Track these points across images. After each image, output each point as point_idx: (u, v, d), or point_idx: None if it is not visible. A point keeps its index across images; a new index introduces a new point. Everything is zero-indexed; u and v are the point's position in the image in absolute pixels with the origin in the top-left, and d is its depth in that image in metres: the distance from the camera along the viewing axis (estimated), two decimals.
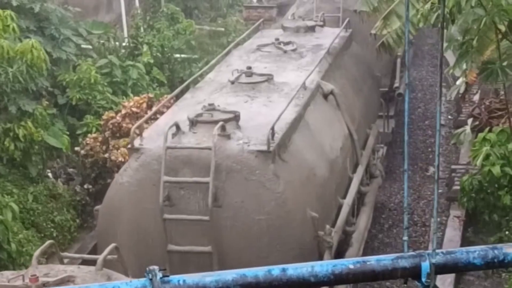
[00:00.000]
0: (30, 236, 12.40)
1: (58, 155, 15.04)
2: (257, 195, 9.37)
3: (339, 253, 10.38)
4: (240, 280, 3.30)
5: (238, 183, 9.37)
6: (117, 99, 16.18)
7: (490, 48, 11.79)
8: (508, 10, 10.13)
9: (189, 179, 9.37)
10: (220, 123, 9.63)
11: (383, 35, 13.53)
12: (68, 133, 14.91)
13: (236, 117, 10.02)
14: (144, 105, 14.20)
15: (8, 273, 6.59)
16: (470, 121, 15.08)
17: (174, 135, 9.77)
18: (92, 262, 6.95)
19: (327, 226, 9.93)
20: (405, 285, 3.65)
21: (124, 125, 13.82)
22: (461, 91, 13.16)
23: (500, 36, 11.16)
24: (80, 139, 15.07)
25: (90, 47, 17.62)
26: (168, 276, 3.25)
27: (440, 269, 3.43)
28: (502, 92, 15.46)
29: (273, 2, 24.62)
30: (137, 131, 10.03)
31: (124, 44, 18.59)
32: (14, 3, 14.95)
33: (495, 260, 3.46)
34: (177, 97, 12.35)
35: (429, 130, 19.33)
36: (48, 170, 14.75)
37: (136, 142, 9.91)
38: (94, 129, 15.16)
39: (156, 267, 3.25)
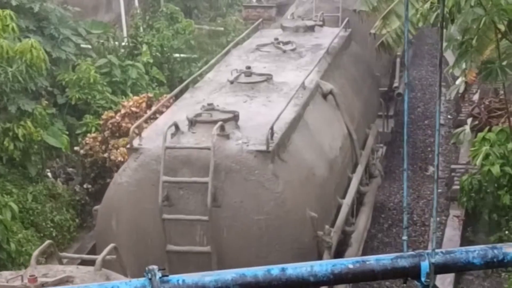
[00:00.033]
0: (30, 236, 12.41)
1: (58, 155, 15.03)
2: (256, 195, 9.36)
3: (339, 253, 10.35)
4: (240, 279, 3.29)
5: (237, 183, 9.36)
6: (117, 98, 16.17)
7: (489, 48, 11.79)
8: (508, 9, 10.13)
9: (188, 179, 9.36)
10: (219, 123, 9.62)
11: (383, 35, 13.51)
12: (67, 132, 14.90)
13: (235, 117, 10.01)
14: (144, 104, 14.20)
15: (7, 274, 6.58)
16: (469, 120, 15.06)
17: (173, 135, 9.76)
18: (91, 262, 6.95)
19: (326, 226, 9.92)
20: (405, 284, 3.65)
21: (123, 124, 13.82)
22: (461, 90, 13.14)
23: (499, 36, 11.15)
24: (79, 139, 15.07)
25: (89, 46, 17.61)
26: (167, 275, 3.25)
27: (440, 268, 3.42)
28: (501, 92, 15.43)
29: (272, 1, 24.58)
30: (136, 131, 10.02)
31: (123, 43, 18.59)
32: (14, 3, 14.93)
33: (495, 260, 3.45)
34: (177, 96, 12.34)
35: (429, 130, 19.33)
36: (48, 170, 14.74)
37: (135, 142, 9.89)
38: (93, 129, 15.15)
39: (155, 267, 3.24)
